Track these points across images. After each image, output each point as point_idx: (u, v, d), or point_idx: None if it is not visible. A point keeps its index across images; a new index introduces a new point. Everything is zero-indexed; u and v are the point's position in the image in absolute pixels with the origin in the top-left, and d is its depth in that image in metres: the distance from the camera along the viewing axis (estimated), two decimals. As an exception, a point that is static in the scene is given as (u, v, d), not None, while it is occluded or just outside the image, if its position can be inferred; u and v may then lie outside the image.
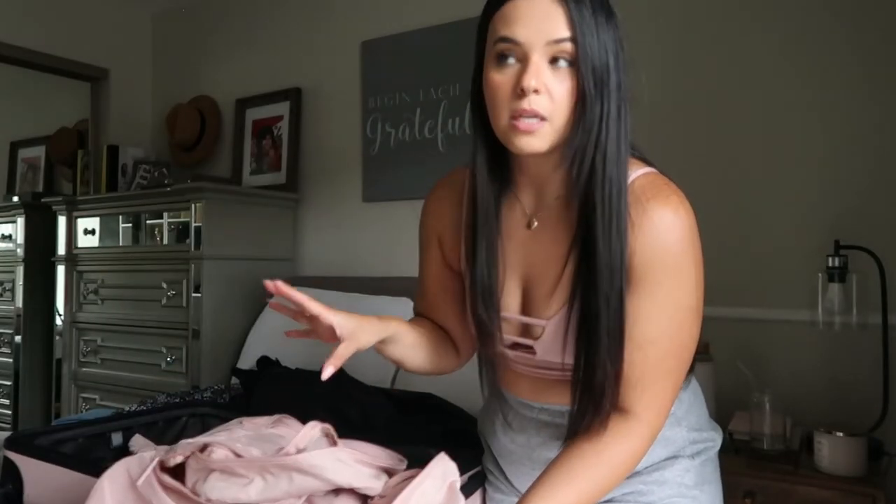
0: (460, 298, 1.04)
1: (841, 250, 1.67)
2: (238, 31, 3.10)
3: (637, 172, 0.87)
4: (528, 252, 0.94)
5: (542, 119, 0.81)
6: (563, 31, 0.79)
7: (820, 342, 1.81)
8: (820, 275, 1.70)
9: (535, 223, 0.93)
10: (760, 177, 1.92)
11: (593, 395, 0.85)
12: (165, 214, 2.63)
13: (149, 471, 0.92)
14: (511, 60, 0.82)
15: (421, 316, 1.10)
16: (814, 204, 1.86)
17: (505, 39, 0.81)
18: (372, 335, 0.90)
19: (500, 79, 0.83)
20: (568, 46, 0.79)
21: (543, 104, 0.80)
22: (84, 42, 3.18)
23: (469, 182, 0.95)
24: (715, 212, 1.88)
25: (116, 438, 1.38)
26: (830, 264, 1.68)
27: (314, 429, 0.99)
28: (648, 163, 0.91)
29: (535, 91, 0.80)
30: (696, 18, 2.03)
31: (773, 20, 1.92)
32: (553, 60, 0.80)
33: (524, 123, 0.81)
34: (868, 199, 1.79)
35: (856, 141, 1.81)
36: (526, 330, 0.96)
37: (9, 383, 3.24)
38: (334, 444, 1.00)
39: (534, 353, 0.94)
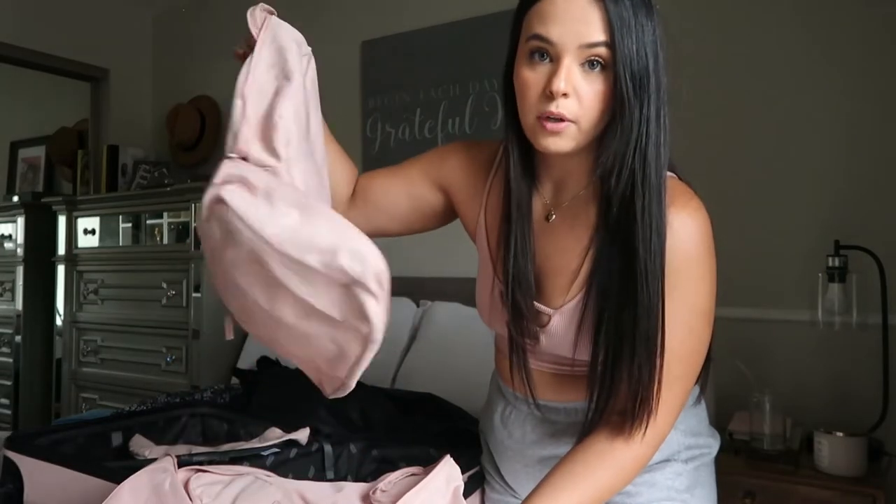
0: (404, 203, 1.04)
1: (841, 250, 1.67)
2: (238, 30, 3.08)
3: None
4: (545, 243, 0.94)
5: (570, 121, 0.80)
6: (599, 35, 0.76)
7: (820, 342, 1.81)
8: (820, 275, 1.70)
9: (554, 216, 0.94)
10: (760, 177, 1.92)
11: (610, 395, 0.85)
12: (165, 214, 2.63)
13: (177, 477, 0.93)
14: (543, 59, 0.80)
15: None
16: (814, 204, 1.86)
17: (538, 37, 0.79)
18: None
19: (530, 76, 0.81)
20: (602, 51, 0.77)
21: (571, 107, 0.79)
22: (84, 42, 3.18)
23: (503, 169, 0.94)
24: (715, 212, 1.87)
25: (116, 438, 1.38)
26: (830, 264, 1.68)
27: None
28: (672, 166, 0.91)
29: (564, 95, 0.78)
30: (698, 14, 2.03)
31: (776, 24, 1.92)
32: (586, 63, 0.78)
33: (550, 124, 0.80)
34: (868, 199, 1.79)
35: (856, 141, 1.81)
36: (536, 319, 0.95)
37: (9, 383, 3.24)
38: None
39: (537, 341, 0.94)
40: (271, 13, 0.90)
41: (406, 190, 1.05)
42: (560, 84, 0.77)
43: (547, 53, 0.79)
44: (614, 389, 0.84)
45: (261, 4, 0.89)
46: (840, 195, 1.82)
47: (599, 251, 0.86)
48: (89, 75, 3.25)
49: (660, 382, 0.83)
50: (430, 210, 1.06)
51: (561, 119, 0.79)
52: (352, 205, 1.06)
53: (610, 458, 0.85)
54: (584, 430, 0.88)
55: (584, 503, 0.84)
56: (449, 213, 1.07)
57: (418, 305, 2.29)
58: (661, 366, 0.82)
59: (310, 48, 0.90)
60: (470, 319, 1.88)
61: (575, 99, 0.79)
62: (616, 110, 0.79)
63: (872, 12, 1.79)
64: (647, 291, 0.80)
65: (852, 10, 1.82)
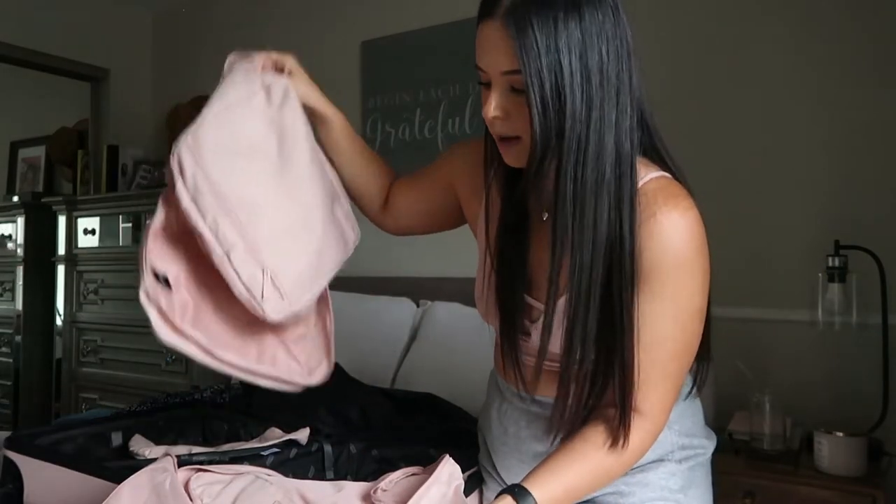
0: (423, 206, 1.15)
1: (841, 250, 1.67)
2: (238, 30, 3.09)
3: (649, 175, 0.87)
4: (539, 241, 0.95)
5: (515, 138, 0.84)
6: (508, 64, 0.79)
7: (820, 342, 1.81)
8: (820, 275, 1.70)
9: (546, 215, 0.94)
10: (760, 176, 1.92)
11: (591, 391, 0.86)
12: (165, 214, 2.63)
13: (177, 477, 0.93)
14: (487, 85, 0.85)
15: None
16: (814, 204, 1.86)
17: (477, 66, 0.85)
18: (308, 88, 1.08)
19: (484, 101, 0.86)
20: (517, 77, 0.79)
21: (506, 128, 0.84)
22: (84, 42, 3.18)
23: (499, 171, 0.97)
24: (715, 211, 1.87)
25: (116, 438, 1.38)
26: (830, 264, 1.68)
27: None
28: (667, 166, 0.91)
29: (496, 117, 0.83)
30: (695, 14, 2.03)
31: (776, 20, 1.92)
32: (512, 87, 0.81)
33: (501, 144, 0.86)
34: (868, 199, 1.79)
35: (856, 141, 1.81)
36: (527, 314, 0.96)
37: (9, 383, 3.24)
38: None
39: (529, 336, 0.95)
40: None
41: (422, 194, 1.15)
42: (489, 110, 0.83)
43: (485, 79, 0.84)
44: (593, 387, 0.86)
45: (233, 55, 1.06)
46: (840, 195, 1.82)
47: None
48: (89, 75, 3.25)
49: (631, 382, 0.84)
50: (445, 209, 1.14)
51: (503, 138, 0.85)
52: (383, 209, 1.18)
53: (599, 449, 0.86)
54: (563, 423, 0.89)
55: (582, 484, 0.86)
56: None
57: (418, 305, 2.29)
58: (632, 366, 0.84)
59: (283, 81, 1.04)
60: (470, 319, 1.88)
61: (509, 120, 0.83)
62: (537, 132, 0.79)
63: (875, 7, 1.79)
64: (597, 299, 0.82)
65: (855, 5, 1.82)
